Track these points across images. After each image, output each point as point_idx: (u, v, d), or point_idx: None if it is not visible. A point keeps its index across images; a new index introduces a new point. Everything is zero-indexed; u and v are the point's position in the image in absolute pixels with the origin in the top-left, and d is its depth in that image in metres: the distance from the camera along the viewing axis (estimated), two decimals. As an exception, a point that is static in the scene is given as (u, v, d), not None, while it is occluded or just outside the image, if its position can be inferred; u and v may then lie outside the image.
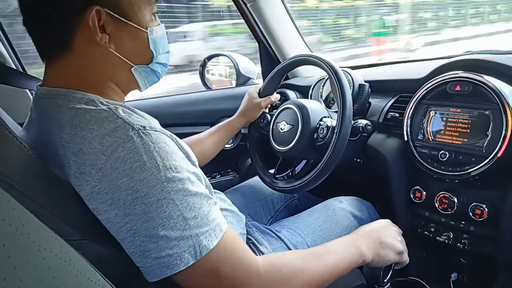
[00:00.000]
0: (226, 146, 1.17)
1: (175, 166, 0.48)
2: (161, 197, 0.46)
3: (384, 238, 0.69)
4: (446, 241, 0.83)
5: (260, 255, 0.75)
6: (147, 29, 0.58)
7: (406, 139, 0.87)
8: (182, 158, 0.51)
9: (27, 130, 0.58)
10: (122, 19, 0.54)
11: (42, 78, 0.58)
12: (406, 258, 0.73)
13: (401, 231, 0.75)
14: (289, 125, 0.95)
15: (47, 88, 0.55)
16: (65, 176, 0.48)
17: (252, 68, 1.42)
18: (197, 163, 0.56)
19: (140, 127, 0.48)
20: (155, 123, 0.56)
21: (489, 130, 0.74)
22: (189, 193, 0.49)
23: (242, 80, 1.40)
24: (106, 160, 0.46)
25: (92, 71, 0.55)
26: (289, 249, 0.79)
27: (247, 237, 0.80)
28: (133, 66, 0.58)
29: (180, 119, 1.26)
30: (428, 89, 0.85)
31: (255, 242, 0.79)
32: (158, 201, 0.46)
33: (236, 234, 0.55)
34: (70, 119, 0.49)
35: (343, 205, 0.92)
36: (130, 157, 0.46)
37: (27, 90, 1.11)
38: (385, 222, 0.75)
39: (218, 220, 0.51)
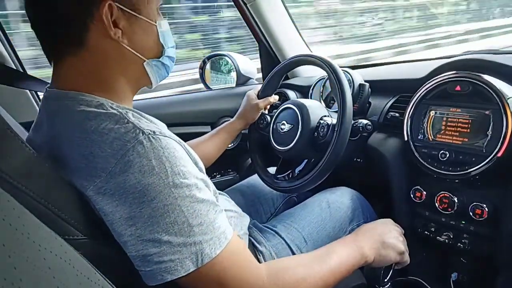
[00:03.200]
0: (227, 146, 1.17)
1: (184, 172, 0.49)
2: (167, 202, 0.47)
3: (386, 238, 0.69)
4: (446, 241, 0.83)
5: (260, 255, 0.76)
6: (156, 23, 0.58)
7: (406, 139, 0.87)
8: (190, 164, 0.51)
9: (35, 131, 0.58)
10: (133, 13, 0.55)
11: (41, 79, 0.58)
12: (407, 258, 0.73)
13: (403, 231, 0.75)
14: (289, 125, 0.95)
15: (56, 90, 0.55)
16: (73, 178, 0.49)
17: (252, 68, 1.42)
18: (204, 170, 0.57)
19: (150, 132, 0.48)
20: (164, 128, 0.56)
21: (489, 130, 0.74)
22: (196, 200, 0.49)
23: (242, 80, 1.40)
24: (116, 164, 0.46)
25: (104, 68, 0.55)
26: (287, 244, 0.79)
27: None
28: (145, 61, 0.59)
29: (180, 119, 1.26)
30: (428, 89, 0.85)
31: (254, 242, 0.79)
32: (164, 206, 0.46)
33: (241, 242, 0.55)
34: (81, 122, 0.50)
35: (336, 196, 0.93)
36: (140, 161, 0.46)
37: (27, 90, 1.12)
38: (387, 222, 0.75)
39: (224, 228, 0.51)
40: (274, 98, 1.08)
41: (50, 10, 0.52)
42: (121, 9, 0.53)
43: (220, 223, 0.51)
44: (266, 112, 1.09)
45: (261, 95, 1.05)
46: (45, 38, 0.55)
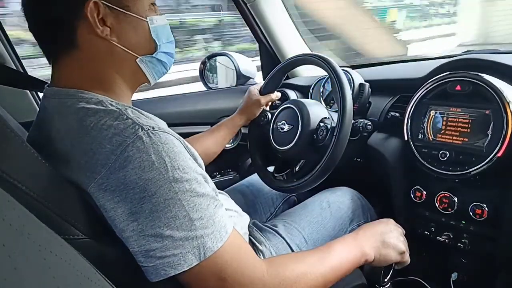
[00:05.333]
0: (227, 145, 1.17)
1: (183, 166, 0.49)
2: (168, 197, 0.47)
3: (387, 238, 0.69)
4: (447, 240, 0.83)
5: (260, 254, 0.76)
6: (146, 19, 0.58)
7: (406, 138, 0.87)
8: (189, 159, 0.52)
9: (35, 130, 0.58)
10: (121, 10, 0.55)
11: (41, 78, 0.58)
12: (407, 258, 0.73)
13: (404, 231, 0.75)
14: (289, 125, 0.95)
15: (56, 88, 0.55)
16: (74, 175, 0.49)
17: (252, 68, 1.42)
18: (203, 166, 0.57)
19: (149, 128, 0.49)
20: (163, 125, 0.57)
21: (489, 130, 0.74)
22: (196, 194, 0.49)
23: (242, 80, 1.40)
24: (116, 159, 0.46)
25: (98, 66, 0.56)
26: (288, 244, 0.79)
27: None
28: (137, 57, 0.58)
29: (180, 118, 1.26)
30: (428, 89, 0.85)
31: (254, 241, 0.79)
32: (165, 201, 0.47)
33: (241, 237, 0.55)
34: (80, 119, 0.50)
35: (336, 196, 0.93)
36: (139, 156, 0.46)
37: (27, 90, 1.11)
38: (388, 222, 0.75)
39: (224, 222, 0.51)
40: (276, 95, 1.07)
41: (41, 12, 0.52)
42: (108, 6, 0.53)
43: (220, 217, 0.51)
44: (268, 108, 1.09)
45: (263, 91, 1.05)
46: (40, 39, 0.55)
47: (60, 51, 0.54)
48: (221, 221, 0.51)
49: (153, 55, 0.60)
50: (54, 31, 0.53)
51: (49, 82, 0.59)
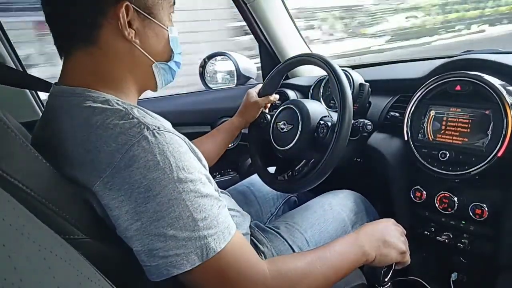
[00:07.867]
0: (226, 146, 1.17)
1: (188, 167, 0.49)
2: (172, 197, 0.47)
3: (388, 238, 0.69)
4: (446, 240, 0.83)
5: (261, 255, 0.76)
6: (167, 28, 0.61)
7: (406, 138, 0.87)
8: (194, 160, 0.52)
9: (41, 129, 0.58)
10: (148, 16, 0.57)
11: (41, 78, 0.58)
12: (408, 258, 0.73)
13: (405, 231, 0.75)
14: (289, 125, 0.95)
15: (63, 86, 0.55)
16: (79, 174, 0.49)
17: (252, 68, 1.42)
18: (207, 166, 0.57)
19: (155, 127, 0.49)
20: (168, 125, 0.57)
21: (489, 130, 0.74)
22: (200, 195, 0.49)
23: (242, 80, 1.40)
24: (121, 158, 0.47)
25: (113, 66, 0.57)
26: (289, 245, 0.79)
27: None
28: (154, 63, 0.60)
29: (180, 118, 1.26)
30: (428, 89, 0.85)
31: (256, 242, 0.79)
32: (169, 201, 0.47)
33: (244, 239, 0.55)
34: (86, 117, 0.50)
35: (339, 199, 0.93)
36: (144, 155, 0.47)
37: (27, 90, 1.11)
38: (388, 221, 0.75)
39: (227, 223, 0.52)
40: (275, 97, 1.07)
41: (66, 5, 0.53)
42: (136, 11, 0.55)
43: (224, 218, 0.52)
44: (267, 111, 1.09)
45: (262, 93, 1.05)
46: (58, 33, 0.56)
47: (78, 47, 0.55)
48: (224, 222, 0.51)
49: (167, 62, 0.63)
50: (79, 26, 0.54)
51: (47, 82, 0.59)
